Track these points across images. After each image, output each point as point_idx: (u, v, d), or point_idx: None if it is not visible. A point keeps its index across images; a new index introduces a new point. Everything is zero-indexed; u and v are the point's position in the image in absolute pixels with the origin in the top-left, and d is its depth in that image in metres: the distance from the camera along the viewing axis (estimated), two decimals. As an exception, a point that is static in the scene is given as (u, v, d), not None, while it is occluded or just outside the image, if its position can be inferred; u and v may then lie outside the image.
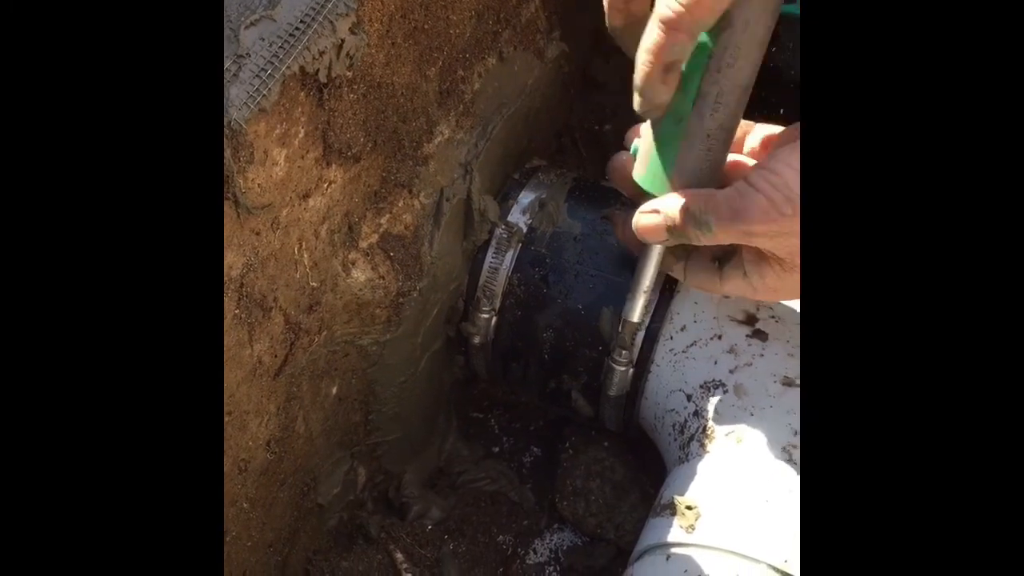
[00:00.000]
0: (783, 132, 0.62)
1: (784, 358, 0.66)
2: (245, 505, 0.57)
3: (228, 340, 0.50)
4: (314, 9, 0.49)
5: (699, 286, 0.65)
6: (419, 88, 0.61)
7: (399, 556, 0.70)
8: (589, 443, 0.77)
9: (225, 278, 0.49)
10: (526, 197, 0.72)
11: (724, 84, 0.53)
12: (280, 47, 0.47)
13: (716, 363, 0.67)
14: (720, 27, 0.51)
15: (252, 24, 0.47)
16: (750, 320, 0.68)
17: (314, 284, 0.57)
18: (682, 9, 0.50)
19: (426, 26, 0.60)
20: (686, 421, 0.67)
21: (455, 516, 0.76)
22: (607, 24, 0.58)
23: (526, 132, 0.75)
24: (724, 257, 0.62)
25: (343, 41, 0.50)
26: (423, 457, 0.77)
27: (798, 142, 0.55)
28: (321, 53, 0.49)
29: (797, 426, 0.63)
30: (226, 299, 0.49)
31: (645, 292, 0.65)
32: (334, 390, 0.64)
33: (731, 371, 0.66)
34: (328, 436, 0.65)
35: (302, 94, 0.49)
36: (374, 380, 0.66)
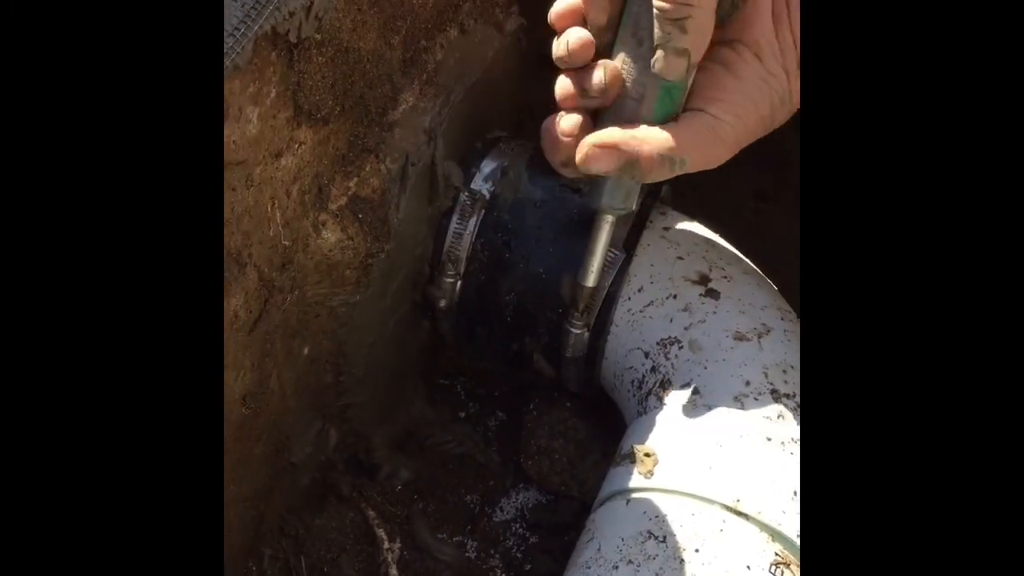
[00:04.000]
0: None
1: (736, 315, 0.69)
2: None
3: (205, 292, 0.52)
4: (285, -28, 0.51)
5: None
6: (384, 55, 0.63)
7: (371, 514, 0.72)
8: (552, 405, 0.80)
9: (202, 231, 0.51)
10: (488, 165, 0.75)
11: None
12: (252, 7, 0.49)
13: (672, 321, 0.70)
14: None
15: (225, -15, 0.49)
16: (703, 280, 0.71)
17: (286, 243, 0.59)
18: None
19: (390, -6, 0.62)
20: (644, 377, 0.70)
21: (424, 477, 0.79)
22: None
23: (488, 103, 0.77)
24: None
25: (312, 2, 0.52)
26: (392, 420, 0.79)
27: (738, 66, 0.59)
28: (291, 14, 0.51)
29: (748, 377, 0.66)
30: (203, 252, 0.51)
31: (598, 256, 0.68)
32: (306, 350, 0.66)
33: (686, 328, 0.69)
34: (300, 396, 0.67)
35: (273, 54, 0.52)
36: (344, 341, 0.69)
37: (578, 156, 0.61)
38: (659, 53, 0.56)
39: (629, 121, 0.59)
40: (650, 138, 0.58)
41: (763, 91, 0.59)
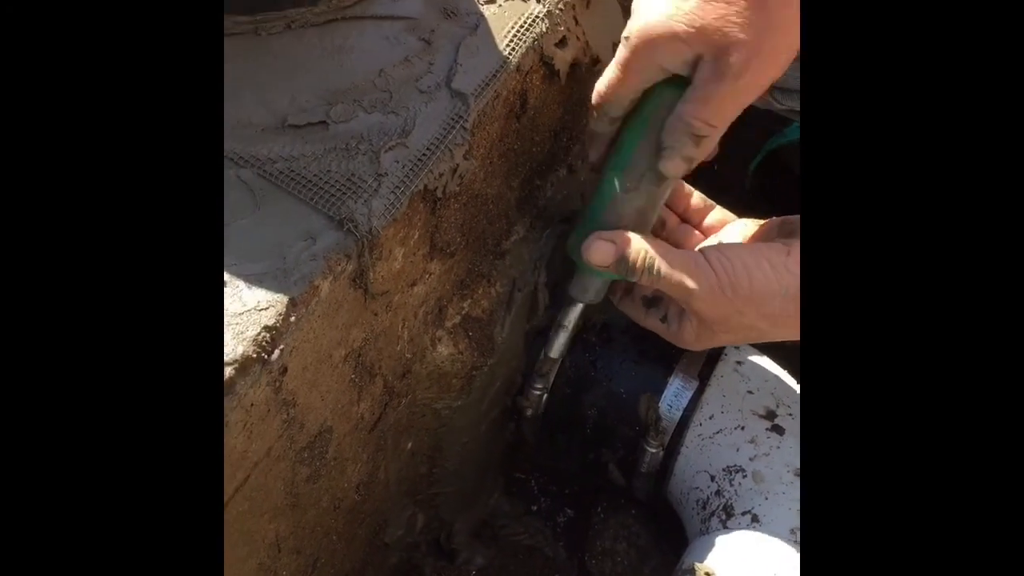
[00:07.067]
0: (747, 224, 0.73)
1: (797, 451, 0.76)
2: (334, 537, 0.68)
3: (342, 399, 0.61)
4: (438, 139, 0.60)
5: (626, 313, 0.75)
6: (504, 196, 0.72)
7: (448, 595, 0.80)
8: (619, 509, 0.87)
9: (348, 349, 0.60)
10: (582, 291, 0.83)
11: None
12: (411, 169, 0.59)
13: (738, 450, 0.77)
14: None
15: (390, 149, 0.59)
16: (770, 415, 0.78)
17: (408, 356, 0.68)
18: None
19: (516, 146, 0.71)
20: (708, 499, 0.77)
21: (496, 565, 0.86)
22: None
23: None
24: (651, 301, 0.73)
25: (458, 165, 0.61)
26: (472, 509, 0.87)
27: (756, 245, 0.66)
28: (441, 175, 0.60)
29: (805, 511, 0.72)
30: (345, 366, 0.60)
31: (566, 330, 0.76)
32: (410, 445, 0.74)
33: (751, 459, 0.76)
34: (400, 484, 0.75)
35: (422, 205, 0.61)
36: (442, 438, 0.77)
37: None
38: (670, 155, 0.62)
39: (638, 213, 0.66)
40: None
41: (764, 273, 0.64)
